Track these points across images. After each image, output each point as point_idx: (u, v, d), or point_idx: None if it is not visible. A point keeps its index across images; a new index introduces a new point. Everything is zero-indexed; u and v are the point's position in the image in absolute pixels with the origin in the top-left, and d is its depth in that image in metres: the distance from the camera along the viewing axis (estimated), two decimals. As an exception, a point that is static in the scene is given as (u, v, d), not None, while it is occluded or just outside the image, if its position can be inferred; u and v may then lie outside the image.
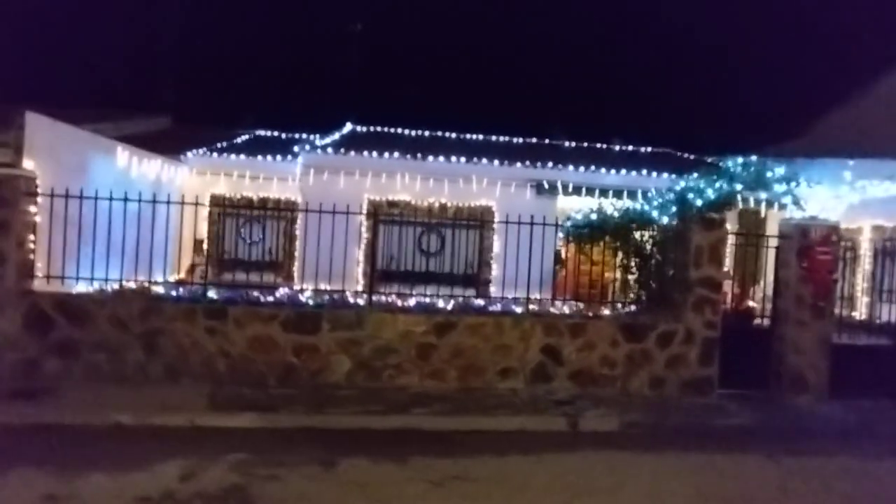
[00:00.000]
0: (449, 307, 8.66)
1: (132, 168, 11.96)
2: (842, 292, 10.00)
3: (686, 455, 6.47)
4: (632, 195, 13.26)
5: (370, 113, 18.29)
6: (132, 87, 23.93)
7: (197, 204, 8.24)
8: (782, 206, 10.85)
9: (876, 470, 6.39)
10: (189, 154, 15.33)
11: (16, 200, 7.46)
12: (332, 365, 7.95)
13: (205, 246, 14.31)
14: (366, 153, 14.17)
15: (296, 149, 14.89)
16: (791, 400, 8.39)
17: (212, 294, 8.37)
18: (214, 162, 15.43)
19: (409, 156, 14.23)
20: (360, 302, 8.59)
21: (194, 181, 14.91)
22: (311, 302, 8.38)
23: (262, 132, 18.00)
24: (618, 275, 10.33)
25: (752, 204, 12.37)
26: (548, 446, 6.51)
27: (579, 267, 10.51)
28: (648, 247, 9.88)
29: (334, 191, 12.86)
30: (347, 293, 8.59)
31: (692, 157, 16.72)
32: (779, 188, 9.83)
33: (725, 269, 8.95)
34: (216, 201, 14.69)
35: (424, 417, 7.04)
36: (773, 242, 9.08)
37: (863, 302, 13.12)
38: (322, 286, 8.59)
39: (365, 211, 12.94)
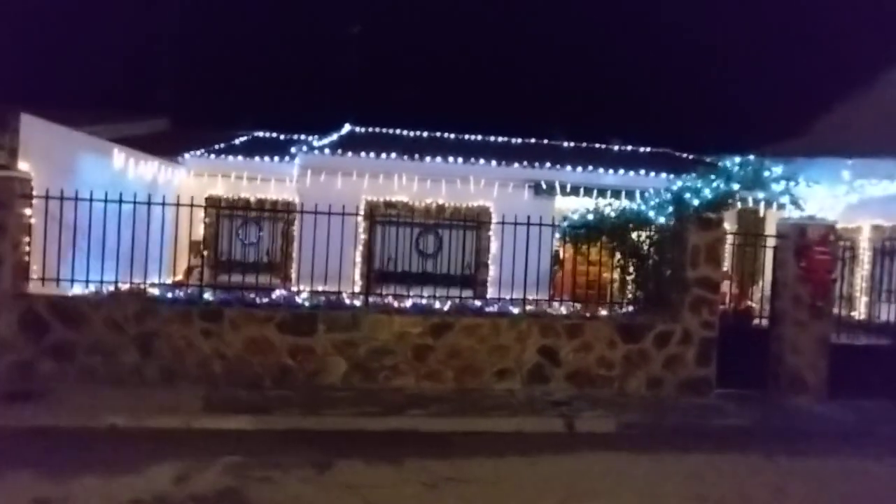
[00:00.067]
0: (445, 308, 8.64)
1: (128, 170, 11.93)
2: (840, 292, 9.97)
3: (683, 456, 6.45)
4: (630, 195, 13.24)
5: (368, 114, 18.31)
6: (130, 88, 23.92)
7: (192, 205, 8.20)
8: (781, 206, 10.83)
9: (875, 470, 6.37)
10: (186, 155, 15.31)
11: (10, 202, 7.43)
12: (328, 366, 7.93)
13: (202, 247, 14.27)
14: (363, 154, 14.16)
15: (293, 150, 14.86)
16: (789, 400, 8.36)
17: (207, 296, 8.35)
18: (212, 163, 15.40)
19: (406, 156, 14.21)
20: (357, 303, 8.57)
21: (191, 182, 14.88)
22: (306, 303, 8.36)
23: (259, 133, 17.98)
24: (615, 275, 10.30)
25: (750, 204, 12.35)
26: (544, 447, 6.48)
27: (576, 267, 10.48)
28: (645, 247, 9.86)
29: (332, 192, 12.83)
30: (344, 294, 8.57)
31: (691, 156, 16.71)
32: (776, 187, 9.81)
33: (725, 269, 8.93)
34: (213, 203, 14.66)
35: (420, 419, 7.01)
36: (772, 242, 9.05)
37: (862, 302, 13.09)
38: (319, 287, 8.57)
39: (362, 212, 12.91)
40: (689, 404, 8.09)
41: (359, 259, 13.63)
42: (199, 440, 6.18)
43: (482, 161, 14.39)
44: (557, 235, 11.22)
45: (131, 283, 8.16)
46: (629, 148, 17.25)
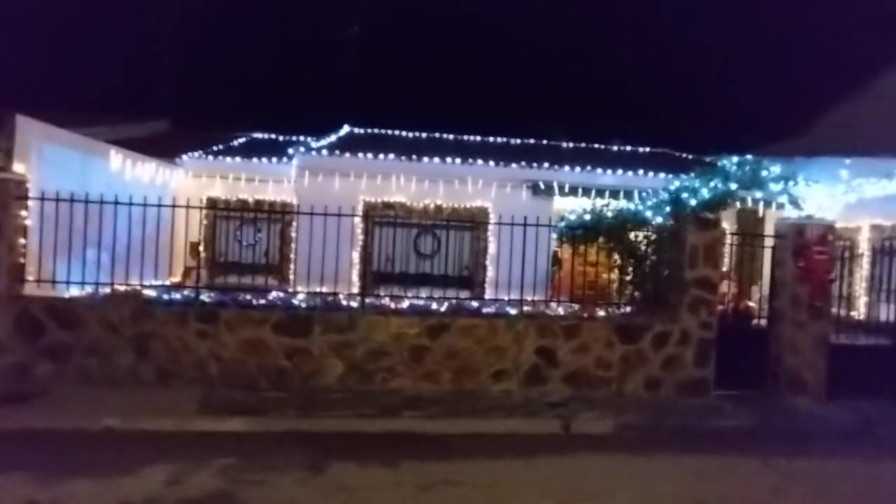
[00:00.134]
0: (442, 309, 8.60)
1: (126, 171, 11.92)
2: (840, 292, 9.94)
3: (681, 457, 6.41)
4: (628, 195, 13.22)
5: (366, 115, 18.27)
6: (129, 90, 23.90)
7: (188, 206, 8.18)
8: (780, 206, 10.78)
9: (875, 471, 6.33)
10: (185, 157, 15.30)
11: (6, 204, 7.42)
12: (324, 368, 7.90)
13: (200, 249, 14.24)
14: (361, 155, 14.14)
15: (291, 151, 14.86)
16: (788, 401, 8.32)
17: (204, 297, 8.32)
18: (210, 164, 15.40)
19: (404, 157, 14.19)
20: (353, 304, 8.54)
21: (190, 184, 14.87)
22: (303, 305, 8.34)
23: (257, 135, 17.96)
24: (613, 276, 10.27)
25: (749, 203, 12.32)
26: (541, 449, 6.45)
27: (574, 268, 10.44)
28: (643, 247, 9.82)
29: (330, 193, 12.81)
30: (340, 295, 8.54)
31: (689, 156, 16.67)
32: (775, 187, 9.75)
33: (724, 269, 8.88)
34: (212, 204, 14.65)
35: (416, 420, 6.98)
36: (770, 242, 9.02)
37: (861, 302, 13.06)
38: (317, 288, 8.52)
39: (360, 213, 12.89)
40: (687, 405, 8.05)
41: (357, 260, 13.63)
42: (194, 442, 6.15)
43: (480, 161, 14.37)
44: (555, 236, 11.19)
45: (127, 284, 8.14)
46: (627, 148, 17.22)
